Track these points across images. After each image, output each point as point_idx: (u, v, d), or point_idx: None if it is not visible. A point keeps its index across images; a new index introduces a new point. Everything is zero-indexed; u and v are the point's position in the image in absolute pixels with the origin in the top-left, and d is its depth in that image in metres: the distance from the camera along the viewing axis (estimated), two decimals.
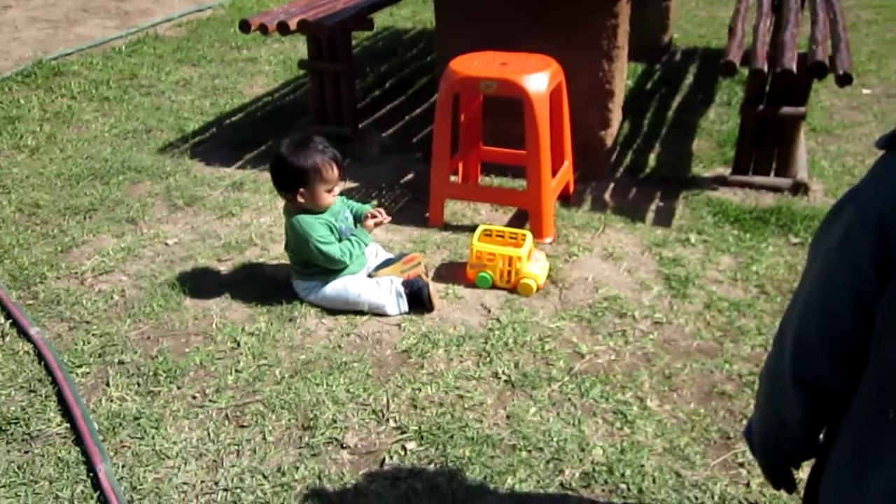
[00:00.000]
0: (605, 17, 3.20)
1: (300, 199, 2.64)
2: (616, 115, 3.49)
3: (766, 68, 3.04)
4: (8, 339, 2.57)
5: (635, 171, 3.66)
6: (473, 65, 2.95)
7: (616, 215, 3.25)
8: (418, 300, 2.65)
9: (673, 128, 4.14)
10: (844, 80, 2.90)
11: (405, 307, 2.65)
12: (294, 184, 2.62)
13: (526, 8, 3.27)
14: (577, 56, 3.21)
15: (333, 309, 2.68)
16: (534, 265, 2.72)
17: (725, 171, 3.58)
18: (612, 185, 3.52)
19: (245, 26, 3.63)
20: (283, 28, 3.62)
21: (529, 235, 2.78)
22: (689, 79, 4.86)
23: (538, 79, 2.85)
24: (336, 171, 2.65)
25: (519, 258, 2.68)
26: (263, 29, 3.65)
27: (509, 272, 2.71)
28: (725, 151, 3.80)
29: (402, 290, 2.65)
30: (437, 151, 3.07)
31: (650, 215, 3.27)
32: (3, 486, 2.00)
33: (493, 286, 2.75)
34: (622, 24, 3.26)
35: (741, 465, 2.03)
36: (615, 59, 3.31)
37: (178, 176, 3.72)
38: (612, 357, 2.44)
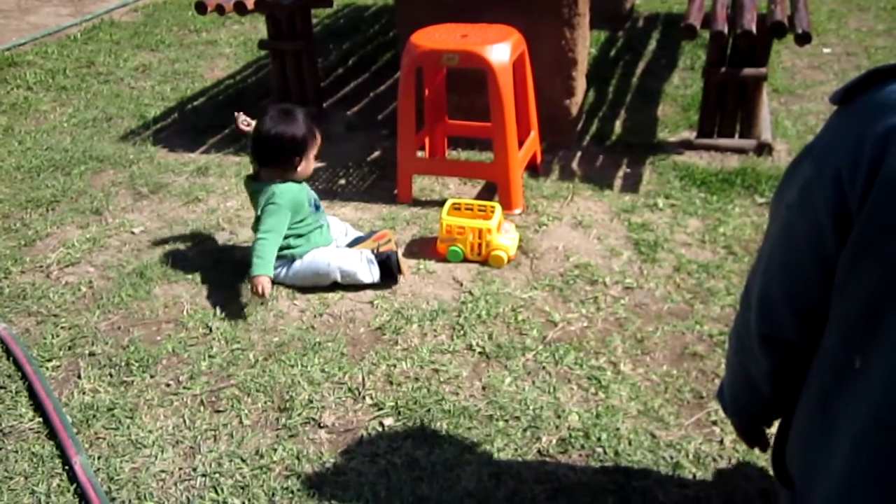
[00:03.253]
0: None
1: (297, 169, 2.65)
2: (580, 84, 3.49)
3: (726, 30, 3.04)
4: None
5: (602, 138, 3.67)
6: (435, 38, 2.93)
7: (584, 183, 3.26)
8: (388, 270, 2.65)
9: (637, 94, 4.15)
10: (803, 39, 2.92)
11: (377, 275, 2.65)
12: (293, 154, 2.63)
13: None
14: (538, 25, 3.20)
15: (306, 287, 2.67)
16: (504, 236, 2.72)
17: (691, 135, 3.60)
18: (579, 154, 3.53)
19: (201, 7, 3.56)
20: (240, 8, 3.56)
21: (498, 207, 2.78)
22: (653, 45, 4.87)
23: (500, 49, 2.84)
24: (319, 135, 2.71)
25: (489, 230, 2.68)
26: (220, 10, 3.59)
27: (480, 245, 2.71)
28: (690, 115, 3.82)
29: (371, 258, 2.66)
30: (402, 127, 3.05)
31: (618, 182, 3.28)
32: None
33: (465, 259, 2.75)
34: None
35: (714, 423, 2.07)
36: (577, 27, 3.29)
37: (142, 163, 3.66)
38: (585, 324, 2.46)
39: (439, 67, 3.16)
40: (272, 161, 2.67)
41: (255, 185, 2.71)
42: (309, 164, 2.70)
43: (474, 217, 2.77)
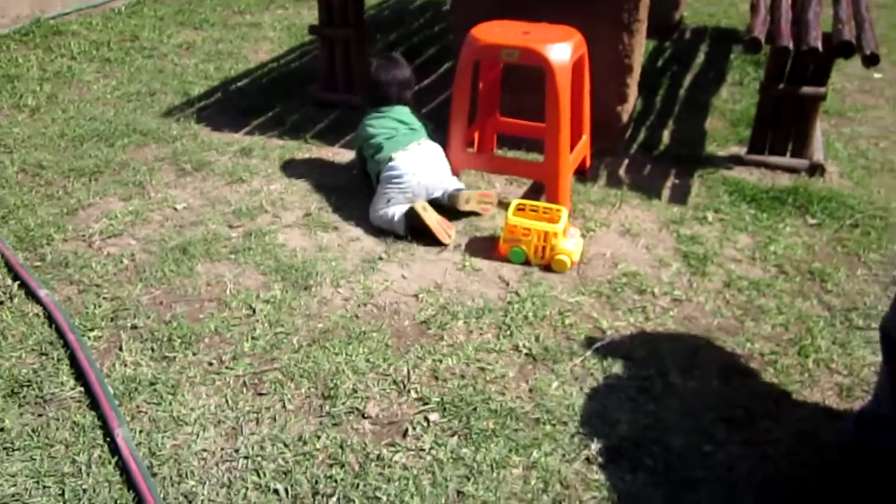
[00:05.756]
0: None
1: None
2: (633, 91, 3.44)
3: (791, 46, 2.99)
4: (16, 300, 2.51)
5: (649, 148, 3.62)
6: (495, 32, 2.89)
7: (632, 192, 3.22)
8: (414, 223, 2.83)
9: (685, 106, 4.10)
10: (871, 61, 2.86)
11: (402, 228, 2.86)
12: (411, 86, 3.16)
13: None
14: (596, 28, 3.15)
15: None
16: (569, 241, 2.69)
17: (740, 150, 3.55)
18: (626, 162, 3.48)
19: None
20: None
21: (565, 211, 2.74)
22: (700, 57, 4.81)
23: (561, 49, 2.80)
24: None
25: (555, 234, 2.64)
26: None
27: (544, 248, 2.67)
28: (739, 131, 3.77)
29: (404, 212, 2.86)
30: (454, 120, 3.02)
31: (666, 192, 3.23)
32: (18, 450, 1.95)
33: (526, 262, 2.71)
34: None
35: (766, 443, 2.02)
36: (635, 33, 3.25)
37: (185, 140, 3.64)
38: (634, 333, 2.42)
39: (496, 62, 3.13)
40: (392, 97, 3.10)
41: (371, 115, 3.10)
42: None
43: (539, 219, 2.73)
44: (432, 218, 2.82)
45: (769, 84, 3.25)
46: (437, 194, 3.00)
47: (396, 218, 2.87)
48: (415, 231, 2.84)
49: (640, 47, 3.38)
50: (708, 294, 2.60)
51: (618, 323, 2.46)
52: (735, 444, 2.02)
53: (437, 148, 3.05)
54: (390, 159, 2.95)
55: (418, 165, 2.94)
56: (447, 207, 2.98)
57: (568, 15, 3.09)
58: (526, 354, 2.31)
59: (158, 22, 5.39)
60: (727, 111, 4.03)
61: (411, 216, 2.82)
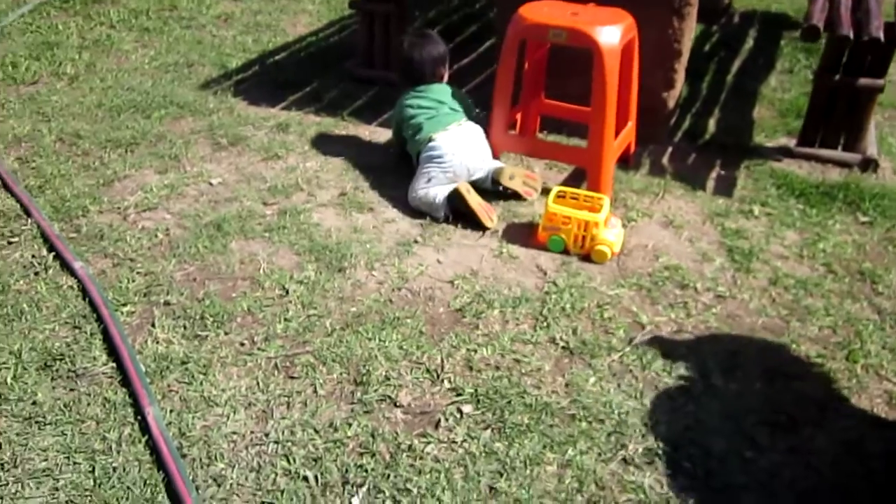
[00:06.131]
0: None
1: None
2: (680, 77, 3.33)
3: (851, 35, 2.86)
4: (51, 272, 2.50)
5: (694, 136, 3.51)
6: (543, 12, 2.80)
7: (675, 181, 3.13)
8: (459, 211, 2.79)
9: (732, 93, 3.98)
10: None
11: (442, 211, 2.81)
12: (445, 62, 3.09)
13: None
14: (645, 11, 3.04)
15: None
16: (610, 231, 2.61)
17: (789, 142, 3.43)
18: (670, 150, 3.38)
19: None
20: None
21: (607, 200, 2.67)
22: (749, 43, 4.66)
23: (611, 31, 2.71)
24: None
25: (596, 224, 2.57)
26: None
27: (584, 237, 2.60)
28: (788, 121, 3.64)
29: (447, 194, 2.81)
30: (497, 101, 2.94)
31: (711, 183, 3.13)
32: (50, 424, 1.95)
33: (565, 251, 2.65)
34: None
35: (811, 452, 1.95)
36: (686, 17, 3.14)
37: (221, 114, 3.61)
38: (674, 329, 2.35)
39: (543, 43, 3.04)
40: (428, 74, 3.05)
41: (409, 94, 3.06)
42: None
43: (580, 207, 2.66)
44: (475, 200, 2.77)
45: (824, 74, 3.12)
46: (479, 175, 2.94)
47: (439, 200, 2.81)
48: (457, 214, 2.80)
49: (690, 32, 3.26)
50: (752, 292, 2.52)
51: (658, 318, 2.39)
52: (778, 450, 1.95)
53: (477, 129, 2.99)
54: (430, 139, 2.90)
55: (459, 146, 2.89)
56: (488, 190, 2.93)
57: None
58: (563, 347, 2.26)
59: None
60: (776, 100, 3.90)
61: (454, 198, 2.77)
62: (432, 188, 2.86)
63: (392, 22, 3.80)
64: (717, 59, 4.40)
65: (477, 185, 2.91)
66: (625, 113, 3.01)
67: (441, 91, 3.04)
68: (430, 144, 2.90)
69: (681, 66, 3.29)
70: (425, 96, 3.02)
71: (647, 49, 3.10)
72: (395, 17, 3.78)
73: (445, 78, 3.12)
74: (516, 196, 2.94)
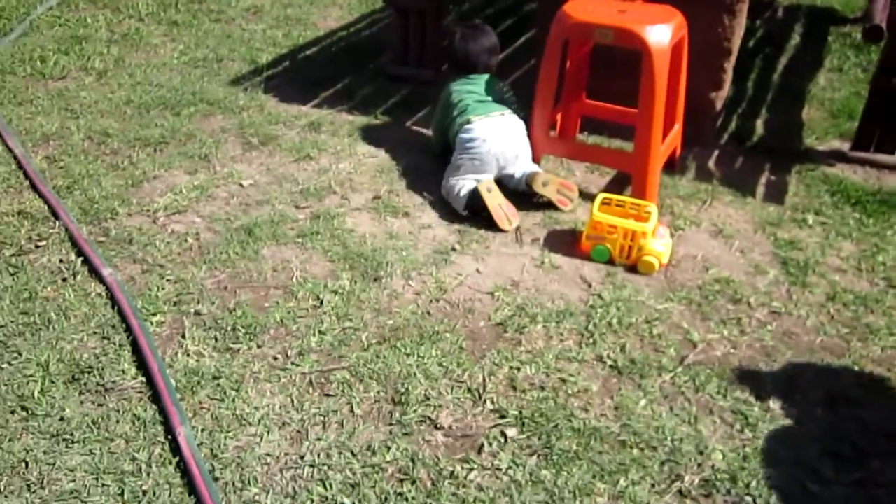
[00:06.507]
0: None
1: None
2: (729, 77, 3.19)
3: None
4: (79, 278, 2.43)
5: (741, 138, 3.37)
6: (588, 10, 2.67)
7: (723, 187, 2.99)
8: (475, 203, 2.73)
9: (780, 93, 3.82)
10: None
11: (462, 205, 2.77)
12: (497, 53, 3.05)
13: None
14: (694, 8, 2.90)
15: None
16: (658, 242, 2.49)
17: (842, 145, 3.28)
18: (716, 153, 3.24)
19: None
20: None
21: (654, 209, 2.54)
22: (795, 39, 4.49)
23: (660, 31, 2.57)
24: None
25: (644, 233, 2.45)
26: None
27: (630, 248, 2.48)
28: (840, 123, 3.49)
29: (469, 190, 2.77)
30: (539, 102, 2.83)
31: (761, 189, 3.00)
32: (78, 442, 1.87)
33: (610, 261, 2.53)
34: None
35: (879, 486, 1.82)
36: (737, 14, 3.00)
37: (252, 111, 3.52)
38: (728, 348, 2.22)
39: (586, 41, 2.91)
40: (479, 64, 3.01)
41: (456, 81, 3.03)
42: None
43: (626, 215, 2.54)
44: (494, 201, 2.70)
45: (882, 76, 2.97)
46: (510, 171, 2.86)
47: (462, 193, 2.77)
48: (475, 210, 2.72)
49: (741, 30, 3.12)
50: (810, 308, 2.39)
51: (710, 335, 2.27)
52: (844, 484, 1.82)
53: (519, 123, 2.90)
54: (468, 122, 2.87)
55: (493, 133, 2.83)
56: (522, 192, 2.82)
57: None
58: (610, 366, 2.14)
59: None
60: (826, 100, 3.74)
61: (473, 197, 2.72)
62: (460, 180, 2.82)
63: (427, 18, 3.68)
64: (762, 55, 4.24)
65: (510, 185, 2.83)
66: (672, 115, 2.88)
67: (490, 82, 2.99)
68: (466, 127, 2.86)
69: (730, 66, 3.14)
70: (474, 83, 2.98)
71: (695, 48, 2.96)
72: (430, 13, 3.67)
73: (494, 69, 3.07)
74: (551, 204, 2.82)
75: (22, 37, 4.27)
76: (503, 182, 2.86)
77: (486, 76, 3.01)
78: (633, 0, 2.77)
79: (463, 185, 2.80)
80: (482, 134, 2.83)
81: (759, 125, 3.49)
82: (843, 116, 3.54)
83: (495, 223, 2.69)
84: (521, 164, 2.87)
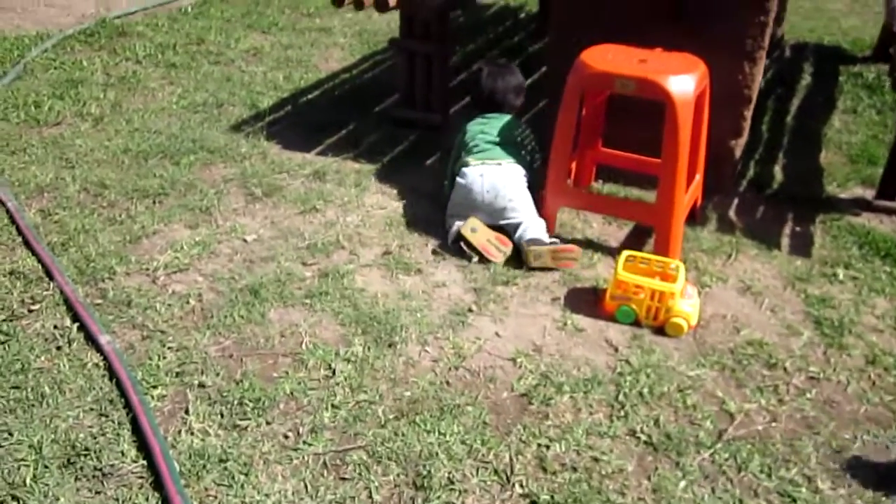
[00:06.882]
0: (755, 12, 2.80)
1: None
2: (748, 124, 3.09)
3: None
4: (75, 345, 2.28)
5: (760, 185, 3.27)
6: (608, 59, 2.58)
7: (747, 239, 2.88)
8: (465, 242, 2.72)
9: (795, 136, 3.73)
10: None
11: (450, 238, 2.79)
12: (523, 92, 3.06)
13: None
14: (715, 55, 2.81)
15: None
16: (686, 302, 2.37)
17: (865, 192, 3.19)
18: (736, 201, 3.14)
19: (338, 0, 3.27)
20: (381, 4, 3.26)
21: (681, 267, 2.43)
22: (806, 79, 4.43)
23: (684, 81, 2.48)
24: None
25: (672, 294, 2.33)
26: (359, 4, 3.29)
27: (658, 309, 2.36)
28: (860, 168, 3.40)
29: (454, 231, 2.76)
30: (556, 154, 2.72)
31: (786, 241, 2.89)
32: None
33: (636, 323, 2.41)
34: (770, 21, 2.85)
35: None
36: (758, 62, 2.91)
37: (254, 159, 3.40)
38: (768, 419, 2.09)
39: (606, 90, 2.82)
40: (508, 103, 3.02)
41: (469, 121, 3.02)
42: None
43: (652, 274, 2.42)
44: (481, 239, 2.71)
45: None
46: (506, 221, 2.79)
47: (452, 230, 2.81)
48: (466, 246, 2.73)
49: (760, 76, 3.03)
50: (849, 373, 2.26)
51: (747, 405, 2.14)
52: None
53: (515, 174, 2.83)
54: (466, 164, 2.87)
55: (482, 182, 2.80)
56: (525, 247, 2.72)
57: (683, 40, 2.76)
58: (645, 442, 2.01)
59: (225, 24, 5.18)
60: (843, 144, 3.65)
61: (458, 238, 2.74)
62: (452, 218, 2.84)
63: (434, 60, 3.59)
64: (774, 96, 4.16)
65: (514, 238, 2.76)
66: (693, 166, 2.77)
67: (509, 124, 2.95)
68: (463, 170, 2.86)
69: (749, 113, 3.05)
70: (489, 125, 2.95)
71: (715, 95, 2.86)
72: (437, 56, 3.57)
73: (517, 109, 3.07)
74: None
75: (15, 80, 4.15)
76: (507, 230, 2.80)
77: (507, 117, 2.97)
78: (652, 48, 2.68)
79: (452, 224, 2.83)
80: (471, 181, 2.81)
81: (778, 171, 3.40)
82: (862, 161, 3.45)
83: (485, 259, 2.69)
84: (517, 215, 2.78)
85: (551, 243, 2.69)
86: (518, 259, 2.71)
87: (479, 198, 2.79)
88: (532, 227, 2.75)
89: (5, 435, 1.97)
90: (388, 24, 5.19)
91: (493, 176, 2.79)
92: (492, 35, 5.08)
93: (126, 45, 4.70)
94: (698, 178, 2.84)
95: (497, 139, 2.88)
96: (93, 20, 5.06)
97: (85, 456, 1.92)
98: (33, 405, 2.07)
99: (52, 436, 1.97)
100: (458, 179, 2.85)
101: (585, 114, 2.90)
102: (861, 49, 4.87)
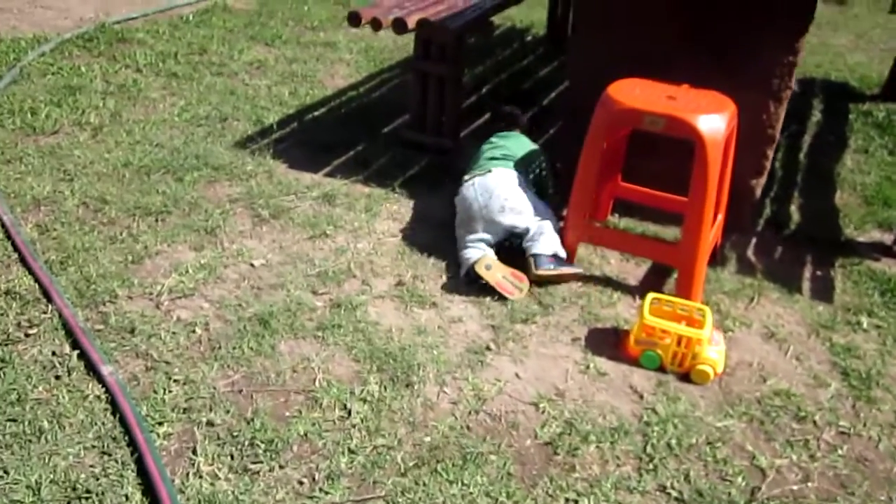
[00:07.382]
0: (784, 52, 2.76)
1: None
2: (769, 163, 3.04)
3: None
4: (75, 374, 2.17)
5: (778, 224, 3.22)
6: (635, 94, 2.51)
7: (768, 281, 2.82)
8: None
9: (809, 175, 3.70)
10: None
11: (462, 271, 2.71)
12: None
13: (683, 29, 2.82)
14: (741, 93, 2.75)
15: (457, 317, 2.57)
16: (713, 349, 2.29)
17: (882, 236, 3.14)
18: (755, 241, 3.08)
19: (355, 19, 3.19)
20: (399, 26, 3.18)
21: (709, 312, 2.35)
22: (816, 116, 4.40)
23: (715, 120, 2.42)
24: None
25: (699, 341, 2.25)
26: (376, 24, 3.21)
27: (684, 355, 2.28)
28: (876, 211, 3.36)
29: (468, 264, 2.68)
30: (579, 189, 2.64)
31: (807, 285, 2.83)
32: None
33: (660, 368, 2.33)
34: (798, 62, 2.81)
35: None
36: (783, 102, 2.86)
37: (260, 178, 3.30)
38: (801, 477, 2.02)
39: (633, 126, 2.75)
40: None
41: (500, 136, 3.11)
42: None
43: (677, 318, 2.35)
44: (496, 276, 2.62)
45: None
46: (513, 225, 2.74)
47: (466, 263, 2.70)
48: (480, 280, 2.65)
49: (783, 116, 2.98)
50: (880, 428, 2.20)
51: (779, 461, 2.06)
52: None
53: (506, 176, 2.82)
54: (462, 182, 2.92)
55: (474, 189, 2.82)
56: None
57: (707, 76, 2.70)
58: (676, 499, 1.92)
59: (228, 34, 5.07)
60: (857, 184, 3.61)
61: (473, 274, 2.65)
62: (468, 248, 2.74)
63: (448, 85, 3.51)
64: (786, 133, 4.12)
65: (518, 236, 2.75)
66: (717, 206, 2.71)
67: (518, 145, 3.00)
68: (460, 188, 2.92)
69: (771, 153, 3.00)
70: (502, 145, 3.01)
71: (740, 133, 2.81)
72: (451, 80, 3.49)
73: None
74: (589, 298, 2.63)
75: (11, 85, 4.02)
76: (512, 238, 2.77)
77: (521, 137, 3.06)
78: (678, 84, 2.62)
79: (466, 253, 2.72)
80: (465, 191, 2.85)
81: (794, 210, 3.35)
82: (877, 203, 3.42)
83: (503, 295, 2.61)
84: (520, 219, 2.74)
85: (553, 264, 2.65)
86: (536, 295, 2.63)
87: (475, 205, 2.78)
88: (540, 239, 2.69)
89: (1, 473, 1.85)
90: (393, 41, 5.11)
91: (483, 180, 2.82)
92: (500, 57, 5.01)
93: (126, 52, 4.58)
94: (720, 217, 2.78)
95: (509, 153, 2.95)
96: (92, 25, 4.94)
97: (86, 499, 1.80)
98: (31, 440, 1.95)
99: (52, 475, 1.85)
100: (457, 196, 2.90)
101: (606, 147, 2.83)
102: (869, 86, 4.86)
